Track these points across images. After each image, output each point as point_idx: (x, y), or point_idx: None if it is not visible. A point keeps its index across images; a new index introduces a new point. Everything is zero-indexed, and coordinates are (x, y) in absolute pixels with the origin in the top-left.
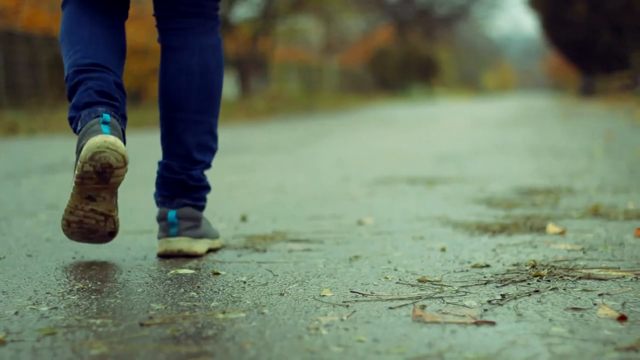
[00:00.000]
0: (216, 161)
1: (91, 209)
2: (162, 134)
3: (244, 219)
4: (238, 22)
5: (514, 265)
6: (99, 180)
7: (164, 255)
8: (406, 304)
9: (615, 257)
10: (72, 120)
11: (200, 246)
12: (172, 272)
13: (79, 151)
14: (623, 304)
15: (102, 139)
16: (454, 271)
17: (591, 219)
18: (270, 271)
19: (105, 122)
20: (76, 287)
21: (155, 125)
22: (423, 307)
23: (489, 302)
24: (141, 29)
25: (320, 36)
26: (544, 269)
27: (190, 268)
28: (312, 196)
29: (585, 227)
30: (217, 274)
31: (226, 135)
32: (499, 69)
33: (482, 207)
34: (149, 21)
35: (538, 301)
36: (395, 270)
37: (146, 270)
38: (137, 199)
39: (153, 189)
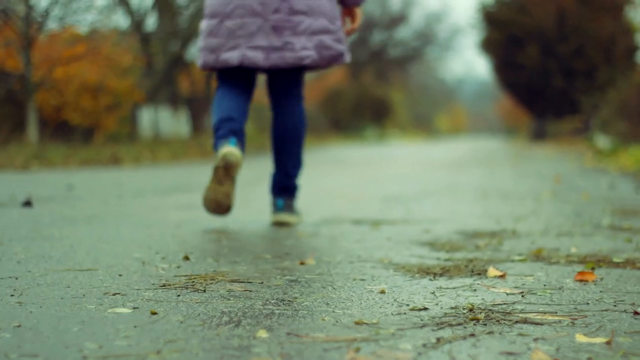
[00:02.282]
0: (163, 199)
1: (220, 190)
2: (274, 157)
3: (186, 258)
4: (192, 60)
5: (452, 308)
6: (224, 172)
7: (275, 223)
8: (341, 347)
9: (553, 302)
10: (215, 145)
11: (292, 219)
12: (109, 311)
13: (217, 155)
14: (557, 349)
15: (229, 149)
16: (392, 314)
17: (533, 263)
18: (207, 312)
19: (232, 141)
20: (12, 324)
21: (105, 164)
22: (357, 349)
23: (424, 345)
24: (95, 65)
25: None
26: (481, 313)
27: (129, 307)
28: (256, 236)
29: (526, 271)
30: (155, 313)
31: (176, 173)
32: (452, 111)
33: (425, 249)
34: (103, 59)
35: (473, 345)
36: (333, 312)
37: (84, 309)
38: (79, 236)
39: (98, 226)
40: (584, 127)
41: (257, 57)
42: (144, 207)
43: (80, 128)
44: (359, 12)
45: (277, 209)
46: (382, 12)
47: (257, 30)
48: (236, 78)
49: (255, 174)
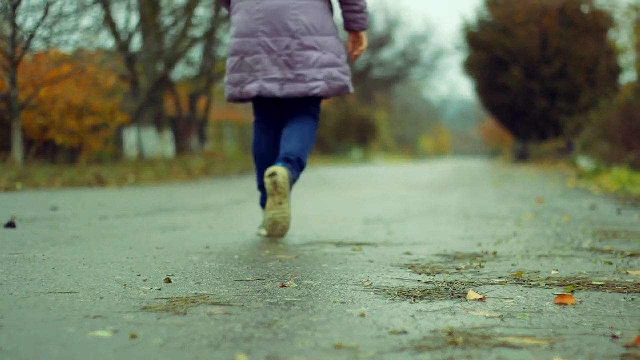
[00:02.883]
0: (146, 221)
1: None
2: (282, 145)
3: (168, 280)
4: (177, 80)
5: (432, 332)
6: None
7: (267, 173)
8: None
9: (532, 325)
10: (260, 186)
11: (283, 172)
12: (90, 334)
13: (265, 182)
14: None
15: (275, 168)
16: (371, 337)
17: (513, 286)
18: (188, 335)
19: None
20: None
21: (89, 184)
22: None
23: None
24: (80, 86)
25: None
26: (460, 337)
27: (109, 331)
28: (238, 258)
29: (506, 294)
30: (135, 337)
31: (160, 194)
32: (436, 132)
33: (406, 272)
34: (88, 78)
35: None
36: (313, 335)
37: (65, 333)
38: (61, 258)
39: (80, 248)
40: (567, 149)
41: (273, 88)
42: (127, 229)
43: (65, 148)
44: (365, 36)
45: (275, 165)
46: (367, 33)
47: (271, 64)
48: (266, 110)
49: (239, 194)
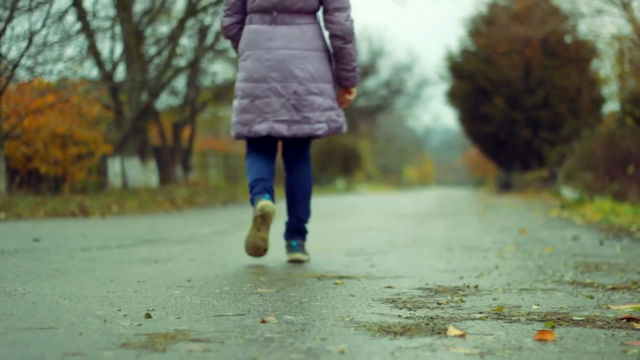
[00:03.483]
0: (128, 252)
1: (259, 235)
2: (288, 206)
3: (148, 315)
4: (161, 110)
5: None
6: (262, 220)
7: (291, 261)
8: None
9: None
10: (252, 200)
11: (304, 257)
12: None
13: (255, 208)
14: None
15: (265, 202)
16: None
17: (493, 321)
18: None
19: (266, 197)
20: None
21: (73, 214)
22: None
23: None
24: (64, 115)
25: None
26: None
27: None
28: (219, 292)
29: (486, 330)
30: None
31: (143, 224)
32: (420, 161)
33: (387, 307)
34: (72, 108)
35: None
36: None
37: None
38: (42, 292)
39: (61, 281)
40: (550, 178)
41: (281, 128)
42: (109, 261)
43: (49, 177)
44: (354, 90)
45: (292, 249)
46: None
47: (280, 107)
48: (263, 146)
49: (222, 225)
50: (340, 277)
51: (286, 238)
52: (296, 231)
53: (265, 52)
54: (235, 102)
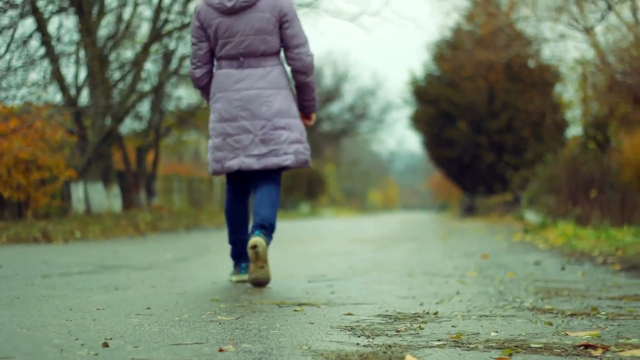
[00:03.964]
0: (89, 279)
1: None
2: (255, 212)
3: (105, 344)
4: (125, 134)
5: None
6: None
7: (252, 247)
8: None
9: None
10: (232, 256)
11: (264, 242)
12: None
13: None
14: None
15: (255, 238)
16: None
17: (451, 349)
18: None
19: (243, 268)
20: None
21: (35, 240)
22: None
23: None
24: (27, 139)
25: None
26: None
27: None
28: (178, 319)
29: (443, 358)
30: None
31: (106, 250)
32: (385, 185)
33: (345, 334)
34: (35, 132)
35: None
36: None
37: None
38: (0, 322)
39: (20, 309)
40: (513, 202)
41: (251, 162)
42: (69, 288)
43: (12, 202)
44: (314, 116)
45: (254, 234)
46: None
47: (250, 143)
48: (239, 180)
49: (184, 251)
50: (301, 304)
51: (250, 232)
52: (261, 226)
53: (233, 93)
54: (210, 142)
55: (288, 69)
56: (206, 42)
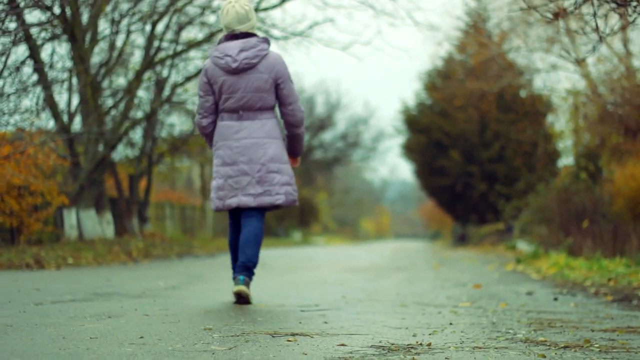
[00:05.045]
0: (82, 307)
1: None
2: (240, 250)
3: None
4: (117, 161)
5: None
6: (238, 299)
7: (236, 292)
8: None
9: None
10: (233, 273)
11: (247, 290)
12: None
13: (233, 287)
14: None
15: (240, 287)
16: None
17: None
18: None
19: (241, 281)
20: None
21: (28, 266)
22: None
23: None
24: (20, 166)
25: (200, 177)
26: None
27: None
28: (172, 349)
29: None
30: None
31: (98, 277)
32: (377, 213)
33: None
34: (28, 159)
35: None
36: None
37: None
38: None
39: (12, 338)
40: (506, 232)
41: (248, 200)
42: (62, 316)
43: (5, 228)
44: (299, 159)
45: (239, 282)
46: (308, 115)
47: (247, 184)
48: (237, 215)
49: (177, 279)
50: (294, 334)
51: (235, 272)
52: (245, 268)
53: (234, 141)
54: (213, 182)
55: (281, 121)
56: (212, 96)
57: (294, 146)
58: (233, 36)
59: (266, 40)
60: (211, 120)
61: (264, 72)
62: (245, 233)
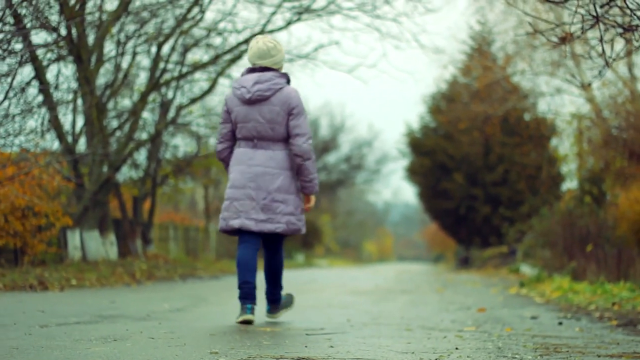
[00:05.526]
0: (87, 329)
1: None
2: (267, 281)
3: None
4: (122, 182)
5: None
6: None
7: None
8: None
9: None
10: (240, 294)
11: (276, 317)
12: None
13: (239, 314)
14: None
15: (246, 316)
16: None
17: None
18: None
19: (248, 309)
20: None
21: (31, 287)
22: None
23: None
24: (24, 187)
25: (204, 198)
26: None
27: None
28: None
29: None
30: None
31: (103, 298)
32: (380, 236)
33: None
34: (32, 180)
35: None
36: None
37: None
38: None
39: None
40: (509, 255)
41: (250, 224)
42: (67, 339)
43: (9, 249)
44: (313, 198)
45: (268, 312)
46: (313, 143)
47: (251, 209)
48: (247, 237)
49: (181, 301)
50: (300, 358)
51: (267, 300)
52: (271, 300)
53: (247, 167)
54: (224, 205)
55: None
56: (229, 124)
57: (303, 180)
58: (251, 69)
59: (284, 76)
60: (226, 146)
61: (276, 105)
62: (267, 266)
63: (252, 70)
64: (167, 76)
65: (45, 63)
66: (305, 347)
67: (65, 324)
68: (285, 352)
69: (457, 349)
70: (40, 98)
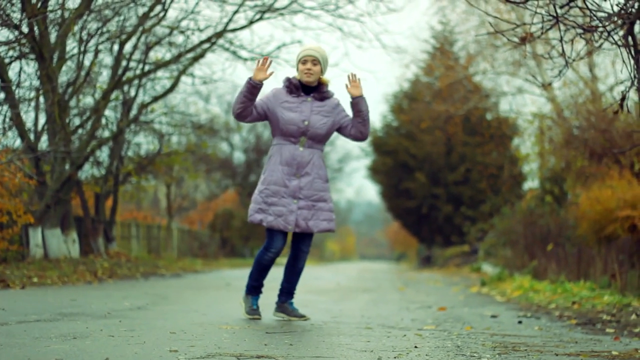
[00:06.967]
0: (47, 327)
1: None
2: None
3: None
4: (84, 180)
5: None
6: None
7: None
8: None
9: None
10: (248, 289)
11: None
12: None
13: (248, 311)
14: None
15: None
16: None
17: None
18: None
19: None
20: None
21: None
22: None
23: None
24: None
25: (166, 196)
26: None
27: None
28: None
29: None
30: None
31: (63, 297)
32: (343, 234)
33: None
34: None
35: None
36: None
37: None
38: None
39: None
40: (471, 254)
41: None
42: (27, 337)
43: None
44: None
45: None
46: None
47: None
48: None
49: (142, 299)
50: (259, 357)
51: (281, 300)
52: (289, 294)
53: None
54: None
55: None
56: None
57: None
58: None
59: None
60: (250, 113)
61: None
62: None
63: None
64: (129, 74)
65: (7, 60)
66: (265, 345)
67: (26, 322)
68: (245, 350)
69: (416, 347)
70: (1, 96)
